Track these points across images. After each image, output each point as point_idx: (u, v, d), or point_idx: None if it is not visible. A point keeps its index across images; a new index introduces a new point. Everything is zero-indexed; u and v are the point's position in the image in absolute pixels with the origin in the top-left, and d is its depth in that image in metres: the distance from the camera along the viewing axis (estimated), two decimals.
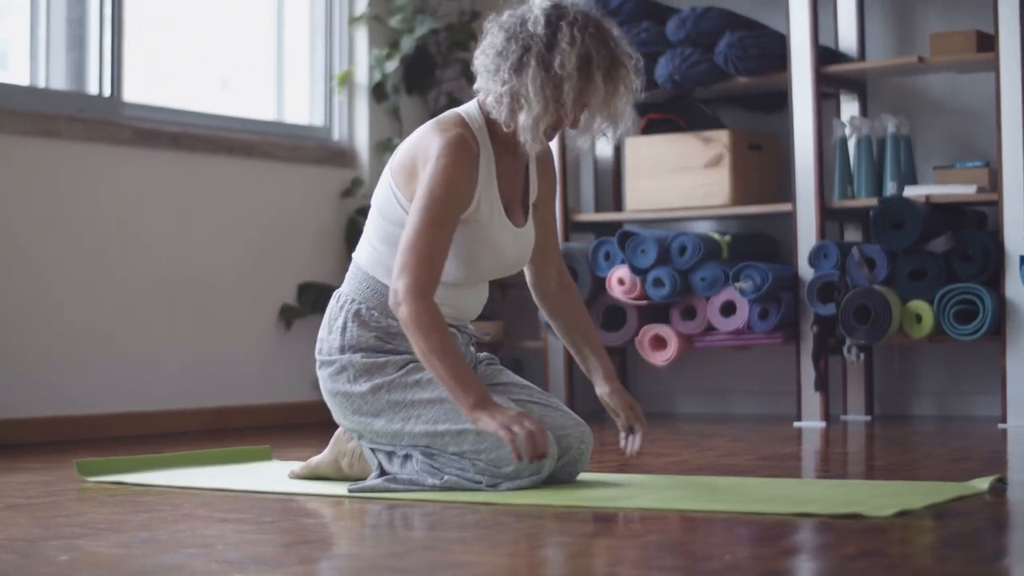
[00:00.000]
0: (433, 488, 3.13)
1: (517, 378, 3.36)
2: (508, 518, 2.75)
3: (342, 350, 3.24)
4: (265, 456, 3.99)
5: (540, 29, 3.13)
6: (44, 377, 4.80)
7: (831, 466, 3.81)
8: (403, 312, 3.07)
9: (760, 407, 5.75)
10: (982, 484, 3.06)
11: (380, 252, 3.25)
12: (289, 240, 5.60)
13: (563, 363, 5.64)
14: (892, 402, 5.50)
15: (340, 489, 3.21)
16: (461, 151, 3.12)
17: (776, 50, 5.31)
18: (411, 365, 3.21)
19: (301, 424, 5.42)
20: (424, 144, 3.18)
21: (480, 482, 3.11)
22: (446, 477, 3.14)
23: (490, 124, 3.23)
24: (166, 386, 5.16)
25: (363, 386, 3.21)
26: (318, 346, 3.32)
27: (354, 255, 3.34)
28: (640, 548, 2.39)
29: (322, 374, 3.29)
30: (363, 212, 5.81)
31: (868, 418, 5.31)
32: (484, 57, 3.18)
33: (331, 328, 3.29)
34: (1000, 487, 3.08)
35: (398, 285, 3.08)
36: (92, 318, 4.94)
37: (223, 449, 3.97)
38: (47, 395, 4.81)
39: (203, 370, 5.28)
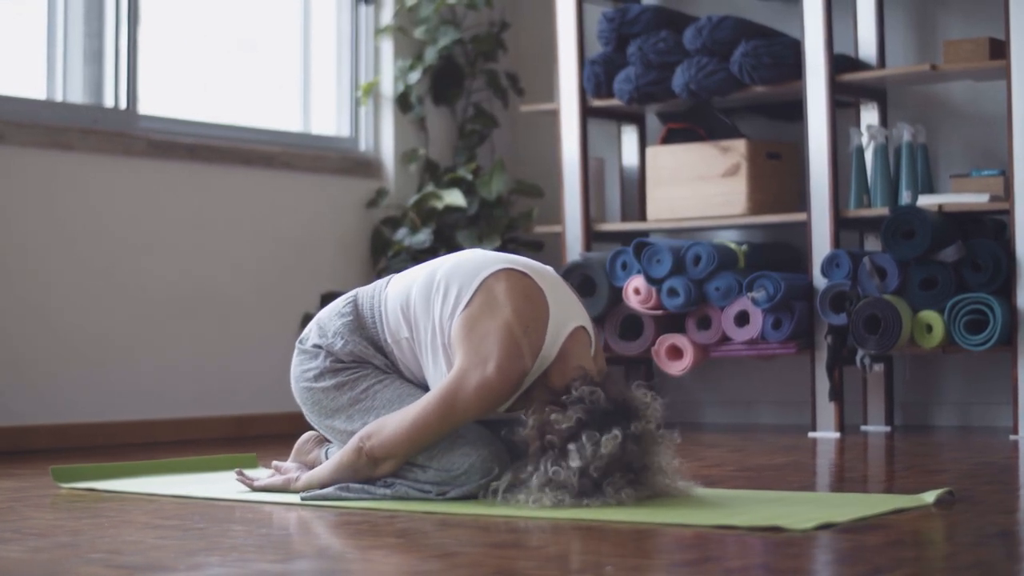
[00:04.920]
0: (384, 497, 3.17)
1: None
2: (435, 527, 2.77)
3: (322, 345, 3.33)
4: (251, 464, 4.04)
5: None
6: (58, 386, 4.89)
7: (806, 477, 3.78)
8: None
9: (781, 417, 5.73)
10: (929, 496, 3.04)
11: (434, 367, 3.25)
12: (312, 250, 5.66)
13: None
14: (913, 412, 5.45)
15: (296, 497, 3.25)
16: None
17: (790, 58, 5.28)
18: (378, 378, 3.27)
19: None
20: None
21: (430, 492, 3.15)
22: (397, 486, 3.17)
23: None
24: (185, 394, 5.23)
25: (327, 382, 3.28)
26: (305, 332, 3.41)
27: (409, 295, 3.29)
28: (532, 558, 2.41)
29: (295, 359, 3.40)
30: (388, 222, 5.86)
31: (888, 428, 5.27)
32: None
33: (330, 318, 3.35)
34: (949, 499, 3.05)
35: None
36: (107, 328, 5.02)
37: (207, 457, 4.02)
38: (62, 403, 4.89)
39: (223, 379, 5.34)
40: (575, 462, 2.94)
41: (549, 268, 3.29)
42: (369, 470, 3.19)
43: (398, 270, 5.65)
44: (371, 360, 3.29)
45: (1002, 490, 3.34)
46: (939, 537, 2.64)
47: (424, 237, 5.71)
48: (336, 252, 5.76)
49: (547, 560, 2.40)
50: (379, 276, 5.80)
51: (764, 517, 2.76)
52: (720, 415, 5.88)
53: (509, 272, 3.18)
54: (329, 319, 3.35)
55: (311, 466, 3.45)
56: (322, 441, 3.52)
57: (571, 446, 2.95)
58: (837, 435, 5.08)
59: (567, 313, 3.20)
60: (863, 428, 5.32)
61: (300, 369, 3.36)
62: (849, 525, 2.69)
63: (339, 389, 3.28)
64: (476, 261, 3.22)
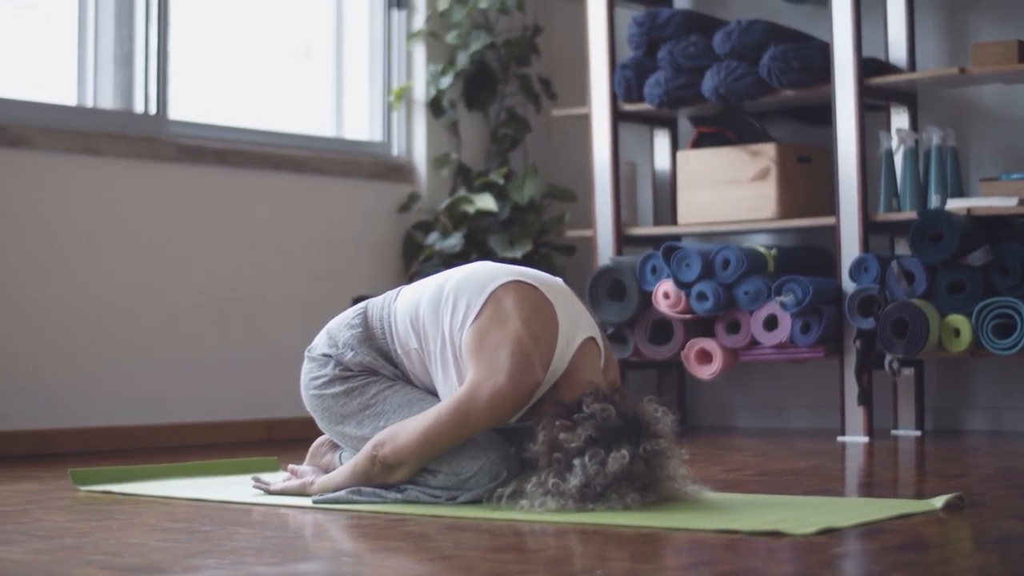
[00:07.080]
0: (395, 501, 3.18)
1: None
2: (441, 531, 2.78)
3: (332, 353, 3.35)
4: (272, 467, 4.06)
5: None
6: (85, 389, 4.92)
7: (822, 482, 3.76)
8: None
9: (813, 421, 5.71)
10: (938, 501, 3.03)
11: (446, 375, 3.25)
12: (343, 254, 5.69)
13: None
14: (944, 417, 5.42)
15: (309, 501, 3.27)
16: None
17: (819, 62, 5.27)
18: (388, 384, 3.29)
19: None
20: None
21: (440, 497, 3.16)
22: (408, 491, 3.19)
23: None
24: (215, 398, 5.26)
25: (337, 388, 3.30)
26: (315, 341, 3.43)
27: (419, 307, 3.30)
28: (527, 562, 2.42)
29: (304, 367, 3.42)
30: (420, 227, 5.88)
31: (919, 433, 5.24)
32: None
33: (340, 328, 3.38)
34: (958, 504, 3.04)
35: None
36: (137, 332, 5.06)
37: (229, 460, 4.05)
38: (90, 406, 4.93)
39: (252, 383, 5.37)
40: (576, 479, 2.95)
41: (558, 280, 3.30)
42: (382, 477, 3.20)
43: (428, 275, 5.69)
44: (380, 370, 3.31)
45: (1016, 495, 3.32)
46: (940, 542, 2.63)
47: (456, 241, 5.73)
48: (368, 257, 5.79)
49: (542, 564, 2.40)
50: (411, 280, 5.82)
51: (767, 522, 2.75)
52: (753, 419, 5.87)
53: (518, 284, 3.19)
54: (338, 330, 3.38)
55: (326, 469, 3.47)
56: (336, 445, 3.54)
57: (576, 461, 2.96)
58: (866, 439, 5.06)
59: (576, 325, 3.20)
60: (893, 432, 5.29)
61: (309, 377, 3.39)
62: (851, 530, 2.68)
63: (348, 395, 3.30)
64: (484, 274, 3.23)
